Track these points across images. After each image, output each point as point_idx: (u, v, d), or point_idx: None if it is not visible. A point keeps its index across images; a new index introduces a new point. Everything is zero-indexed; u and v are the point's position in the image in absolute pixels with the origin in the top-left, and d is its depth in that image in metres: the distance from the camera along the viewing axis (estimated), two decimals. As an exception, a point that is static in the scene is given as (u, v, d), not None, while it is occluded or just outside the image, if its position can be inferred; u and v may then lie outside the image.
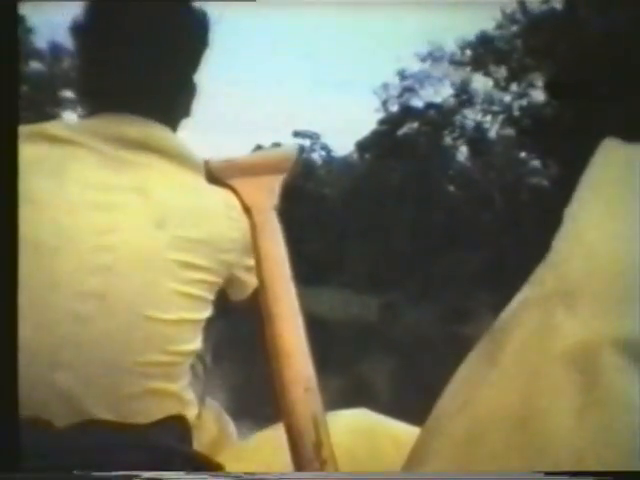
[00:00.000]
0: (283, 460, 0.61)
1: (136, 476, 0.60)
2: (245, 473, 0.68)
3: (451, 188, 20.92)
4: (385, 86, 22.06)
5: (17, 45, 0.64)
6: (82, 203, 0.69)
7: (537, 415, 0.44)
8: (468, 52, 20.35)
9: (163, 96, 0.76)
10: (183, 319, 0.71)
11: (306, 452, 0.62)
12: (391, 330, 14.06)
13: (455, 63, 20.92)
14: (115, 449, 0.65)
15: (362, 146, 22.82)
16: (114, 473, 0.60)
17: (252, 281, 0.82)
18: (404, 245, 19.17)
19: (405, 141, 21.32)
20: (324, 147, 26.82)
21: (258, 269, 0.74)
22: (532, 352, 0.46)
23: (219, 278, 0.75)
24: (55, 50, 16.10)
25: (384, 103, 22.25)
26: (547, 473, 0.43)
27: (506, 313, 0.50)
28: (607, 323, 0.45)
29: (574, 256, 0.49)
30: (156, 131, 0.74)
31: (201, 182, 0.74)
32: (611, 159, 0.52)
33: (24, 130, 0.71)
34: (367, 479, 0.64)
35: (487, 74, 20.37)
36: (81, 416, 0.66)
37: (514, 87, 19.97)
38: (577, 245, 0.49)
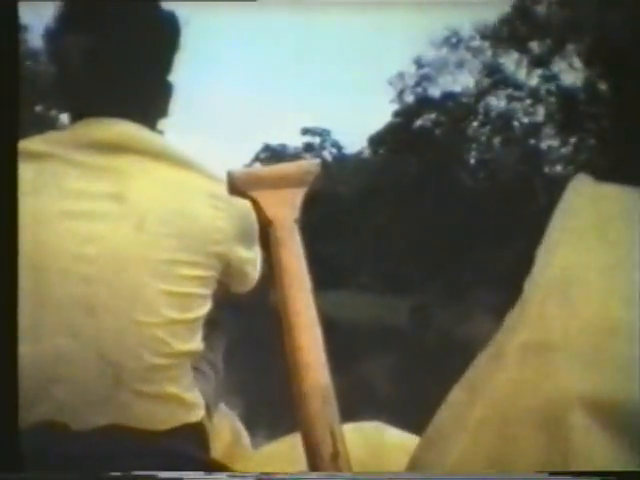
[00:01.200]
0: (298, 469, 0.66)
1: (136, 476, 0.65)
2: (262, 473, 0.73)
3: (473, 181, 20.58)
4: (400, 75, 21.86)
5: (17, 45, 0.68)
6: (61, 215, 0.72)
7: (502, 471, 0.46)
8: (490, 32, 19.97)
9: (137, 97, 0.79)
10: (176, 319, 0.73)
11: (323, 462, 0.67)
12: (420, 335, 13.70)
13: (473, 49, 20.66)
14: (131, 455, 0.69)
15: (376, 141, 22.61)
16: (114, 473, 0.64)
17: (252, 272, 0.85)
18: (425, 244, 19.02)
19: (422, 133, 21.13)
20: (335, 144, 26.96)
21: (279, 282, 0.79)
22: (501, 406, 0.47)
23: (213, 271, 0.77)
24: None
25: (400, 93, 21.95)
26: (551, 473, 0.45)
27: (479, 362, 0.52)
28: (577, 381, 0.46)
29: (543, 305, 0.50)
30: (133, 130, 0.77)
31: (182, 176, 0.77)
32: (581, 197, 0.53)
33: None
34: (375, 479, 0.69)
35: (518, 52, 19.39)
36: (89, 424, 0.69)
37: (540, 71, 19.65)
38: (549, 294, 0.50)
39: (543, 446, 0.45)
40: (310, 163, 0.91)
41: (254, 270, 0.86)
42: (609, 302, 0.48)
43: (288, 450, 0.76)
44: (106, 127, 0.76)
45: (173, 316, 0.73)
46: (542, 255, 0.53)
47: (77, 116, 0.78)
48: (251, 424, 0.99)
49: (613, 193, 0.52)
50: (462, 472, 0.48)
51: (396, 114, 22.22)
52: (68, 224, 0.71)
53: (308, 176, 0.88)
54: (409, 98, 22.10)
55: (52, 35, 0.80)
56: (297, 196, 0.86)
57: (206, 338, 0.82)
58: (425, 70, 21.54)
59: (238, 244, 0.80)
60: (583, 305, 0.48)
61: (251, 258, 0.85)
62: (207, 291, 0.77)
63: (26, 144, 0.75)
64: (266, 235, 0.84)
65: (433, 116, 21.63)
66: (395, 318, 15.70)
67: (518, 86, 20.15)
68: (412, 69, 21.62)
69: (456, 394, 0.53)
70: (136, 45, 0.78)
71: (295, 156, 26.93)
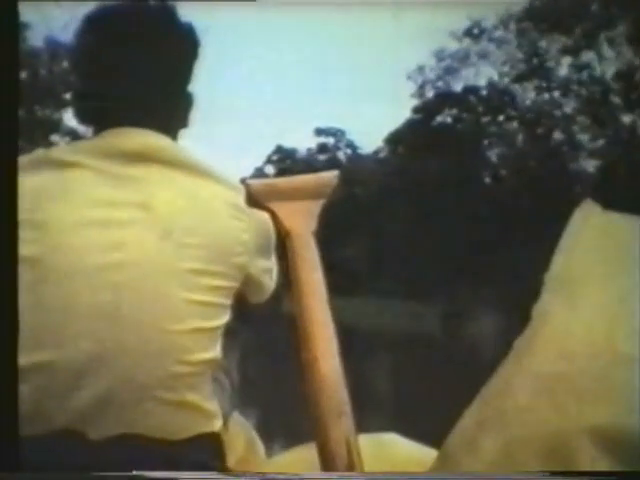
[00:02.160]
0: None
1: (137, 476, 0.68)
2: (265, 474, 0.75)
3: (498, 180, 20.32)
4: (420, 69, 21.57)
5: (17, 45, 0.72)
6: (88, 223, 0.76)
7: None
8: (515, 20, 19.61)
9: (159, 109, 0.83)
10: (198, 328, 0.76)
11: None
12: (447, 344, 13.42)
13: (497, 40, 20.39)
14: (147, 465, 0.71)
15: (394, 139, 22.48)
16: (114, 473, 0.68)
17: (268, 283, 0.89)
18: (449, 246, 18.87)
19: (443, 130, 20.91)
20: (350, 144, 26.82)
21: (295, 293, 0.82)
22: (511, 437, 0.50)
23: (235, 282, 0.80)
24: (52, 48, 16.48)
25: (420, 87, 21.67)
26: (551, 473, 0.48)
27: (489, 389, 0.54)
28: (584, 412, 0.48)
29: (551, 335, 0.52)
30: (155, 141, 0.81)
31: (204, 187, 0.81)
32: (589, 227, 0.55)
33: (27, 159, 0.80)
34: (380, 479, 0.71)
35: (547, 40, 18.94)
36: (106, 432, 0.72)
37: (570, 60, 19.32)
38: (558, 325, 0.52)
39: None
40: (328, 175, 0.95)
41: (271, 281, 0.90)
42: (617, 334, 0.50)
43: (302, 460, 0.78)
44: (131, 137, 0.80)
45: (196, 325, 0.76)
46: (551, 285, 0.55)
47: (101, 127, 0.82)
48: (266, 434, 1.01)
49: (620, 223, 0.55)
50: None
51: (416, 110, 22.06)
52: (95, 231, 0.75)
53: (326, 188, 0.92)
54: (429, 93, 21.96)
55: (76, 48, 0.86)
56: (315, 208, 0.89)
57: (222, 347, 0.85)
58: (446, 62, 21.30)
59: (258, 255, 0.84)
60: (592, 337, 0.51)
61: (269, 268, 0.88)
62: (228, 301, 0.81)
63: (53, 152, 0.81)
64: (283, 246, 0.88)
65: (455, 111, 21.48)
66: (423, 327, 15.42)
67: (547, 77, 19.69)
68: (432, 62, 21.47)
69: (466, 421, 0.55)
70: (156, 58, 0.83)
71: (308, 157, 27.13)
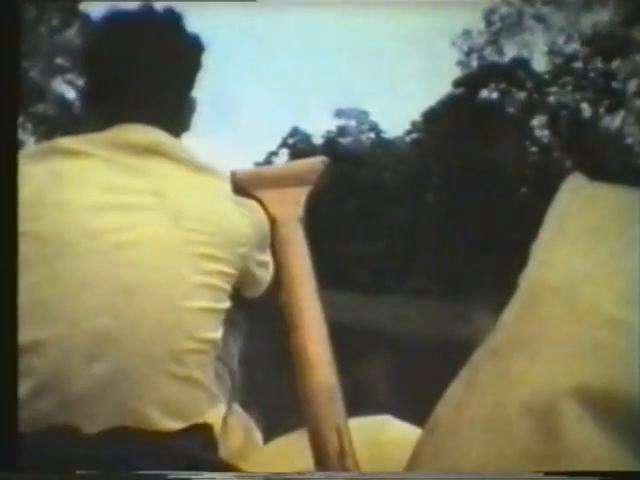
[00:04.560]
0: (305, 465, 0.79)
1: (140, 475, 0.77)
2: (273, 473, 0.86)
3: (547, 163, 19.81)
4: (467, 34, 20.91)
5: (18, 45, 0.82)
6: (103, 205, 0.88)
7: (498, 466, 0.54)
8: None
9: (163, 112, 0.98)
10: (207, 307, 0.89)
11: (329, 460, 0.79)
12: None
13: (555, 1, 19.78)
14: (141, 456, 0.81)
15: (431, 117, 21.96)
16: (113, 472, 0.78)
17: (264, 276, 1.02)
18: (490, 239, 18.69)
19: (486, 107, 20.64)
20: (373, 127, 26.47)
21: (283, 280, 0.93)
22: (494, 401, 0.56)
23: (235, 270, 0.94)
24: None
25: (466, 54, 21.05)
26: (547, 473, 0.53)
27: (476, 357, 0.61)
28: (568, 371, 0.54)
29: (537, 302, 0.58)
30: (162, 137, 0.95)
31: (209, 183, 0.95)
32: (576, 197, 0.62)
33: (41, 147, 0.95)
34: (377, 479, 0.81)
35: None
36: (114, 407, 0.83)
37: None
38: (540, 289, 0.59)
39: (536, 440, 0.54)
40: (314, 161, 1.05)
41: (266, 274, 1.02)
42: (602, 298, 0.57)
43: (296, 446, 0.89)
44: (139, 132, 0.95)
45: (205, 304, 0.89)
46: (538, 253, 0.63)
47: (108, 124, 0.96)
48: (264, 421, 1.13)
49: (607, 193, 0.62)
50: (461, 469, 0.58)
51: (457, 83, 21.78)
52: (109, 213, 0.88)
53: (312, 175, 1.02)
54: (473, 64, 21.54)
55: (86, 57, 1.02)
56: (301, 195, 0.99)
57: (223, 339, 0.97)
58: (496, 27, 20.67)
59: (257, 249, 0.98)
60: (576, 301, 0.57)
61: (265, 262, 1.01)
62: (229, 288, 0.93)
63: (67, 141, 0.94)
64: (272, 234, 0.98)
65: (503, 85, 21.11)
66: (461, 329, 15.30)
67: (617, 47, 18.37)
68: (481, 25, 20.85)
69: (453, 390, 0.63)
70: (161, 67, 0.98)
71: (327, 141, 27.09)
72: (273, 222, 0.98)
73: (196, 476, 0.82)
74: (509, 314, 0.63)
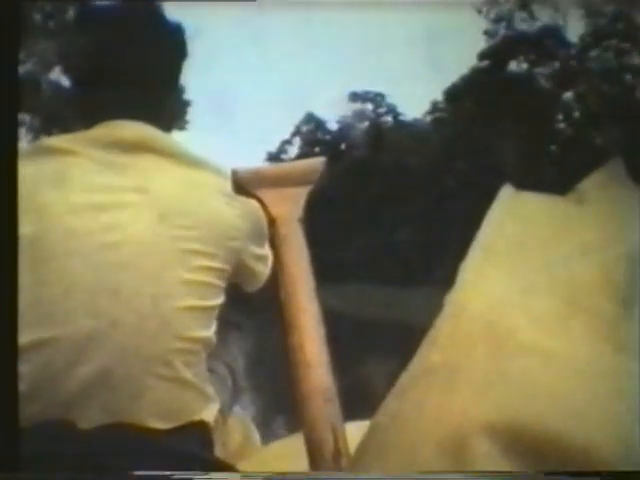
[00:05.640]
0: (301, 468, 0.85)
1: (140, 476, 0.81)
2: (274, 473, 0.92)
3: (588, 140, 19.33)
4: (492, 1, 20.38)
5: (18, 45, 0.87)
6: (86, 206, 0.92)
7: None
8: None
9: (150, 106, 1.02)
10: (195, 306, 0.93)
11: (324, 461, 0.85)
12: None
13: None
14: (136, 453, 0.86)
15: (454, 94, 21.49)
16: (112, 473, 0.82)
17: (261, 270, 1.06)
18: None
19: (514, 81, 20.36)
20: (391, 109, 26.20)
21: (281, 280, 0.98)
22: (411, 433, 0.59)
23: (227, 265, 0.97)
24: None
25: (495, 21, 20.21)
26: (547, 473, 0.56)
27: (395, 389, 0.64)
28: (480, 405, 0.56)
29: (456, 327, 0.60)
30: (149, 132, 0.99)
31: (197, 176, 0.99)
32: (503, 212, 0.64)
33: (26, 149, 0.98)
34: (376, 479, 0.86)
35: None
36: (103, 409, 0.87)
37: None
38: (461, 313, 0.61)
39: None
40: (315, 161, 1.11)
41: (265, 268, 1.07)
42: (522, 326, 0.59)
43: (293, 448, 0.94)
44: (126, 128, 0.98)
45: (192, 303, 0.93)
46: (463, 272, 0.65)
47: (94, 121, 1.00)
48: (264, 422, 1.20)
49: (533, 204, 0.64)
50: None
51: (483, 56, 21.52)
52: (92, 214, 0.92)
53: (313, 175, 1.08)
54: (501, 33, 21.06)
55: (69, 54, 1.07)
56: (301, 194, 1.05)
57: (224, 340, 1.03)
58: None
59: (251, 242, 1.02)
60: (496, 329, 0.60)
61: (262, 256, 1.06)
62: (222, 283, 0.98)
63: (51, 141, 0.99)
64: (271, 233, 1.04)
65: (533, 57, 20.75)
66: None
67: None
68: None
69: (388, 404, 0.66)
70: (143, 59, 1.01)
71: (342, 126, 26.99)
72: (273, 222, 1.04)
73: (197, 476, 0.88)
74: (430, 336, 0.64)
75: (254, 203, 1.04)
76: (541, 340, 0.59)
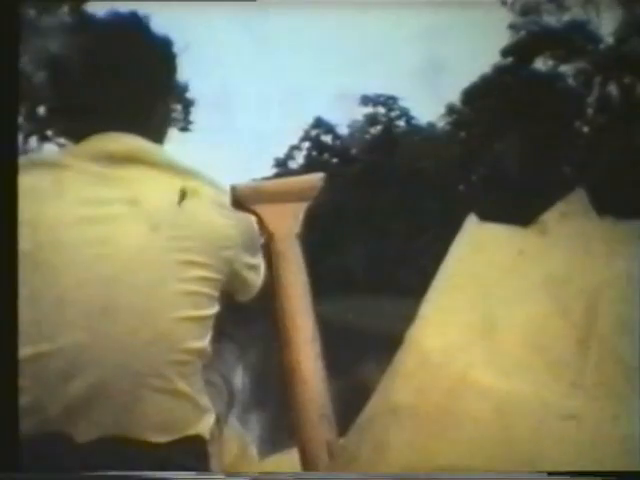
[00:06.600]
0: None
1: (133, 476, 0.87)
2: (260, 473, 0.98)
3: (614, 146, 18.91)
4: None
5: (17, 45, 0.90)
6: (78, 220, 0.96)
7: None
8: None
9: (140, 119, 1.07)
10: (189, 317, 0.98)
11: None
12: None
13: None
14: (132, 467, 0.90)
15: (472, 95, 21.19)
16: (113, 473, 0.87)
17: (254, 279, 1.12)
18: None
19: (537, 80, 19.79)
20: (404, 112, 26.21)
21: (278, 295, 1.05)
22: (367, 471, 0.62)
23: (220, 275, 1.03)
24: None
25: (521, 15, 19.05)
26: (549, 473, 0.59)
27: (357, 425, 0.67)
28: (431, 450, 0.59)
29: (412, 363, 0.63)
30: (140, 143, 1.04)
31: (190, 186, 1.03)
32: (465, 243, 0.67)
33: (19, 163, 0.99)
34: (375, 478, 0.91)
35: None
36: (99, 422, 0.92)
37: None
38: (417, 350, 0.63)
39: None
40: (313, 178, 1.18)
41: (257, 277, 1.13)
42: (475, 364, 0.61)
43: (288, 463, 1.00)
44: (117, 140, 1.04)
45: (186, 313, 0.98)
46: (422, 307, 0.68)
47: (81, 137, 1.05)
48: (261, 436, 1.27)
49: (495, 236, 0.67)
50: None
51: (505, 52, 21.39)
52: (84, 228, 0.97)
53: (311, 191, 1.15)
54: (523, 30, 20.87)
55: (59, 68, 1.13)
56: (299, 210, 1.12)
57: (219, 350, 1.08)
58: None
59: (244, 251, 1.08)
60: (450, 369, 0.62)
61: (255, 265, 1.12)
62: (215, 293, 1.03)
63: (44, 156, 1.05)
64: (268, 249, 1.10)
65: (559, 53, 20.31)
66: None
67: None
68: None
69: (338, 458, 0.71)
70: (130, 73, 1.07)
71: (354, 131, 26.81)
72: (270, 237, 1.10)
73: (184, 476, 0.94)
74: (391, 374, 0.68)
75: (245, 214, 1.10)
76: (495, 382, 0.61)
